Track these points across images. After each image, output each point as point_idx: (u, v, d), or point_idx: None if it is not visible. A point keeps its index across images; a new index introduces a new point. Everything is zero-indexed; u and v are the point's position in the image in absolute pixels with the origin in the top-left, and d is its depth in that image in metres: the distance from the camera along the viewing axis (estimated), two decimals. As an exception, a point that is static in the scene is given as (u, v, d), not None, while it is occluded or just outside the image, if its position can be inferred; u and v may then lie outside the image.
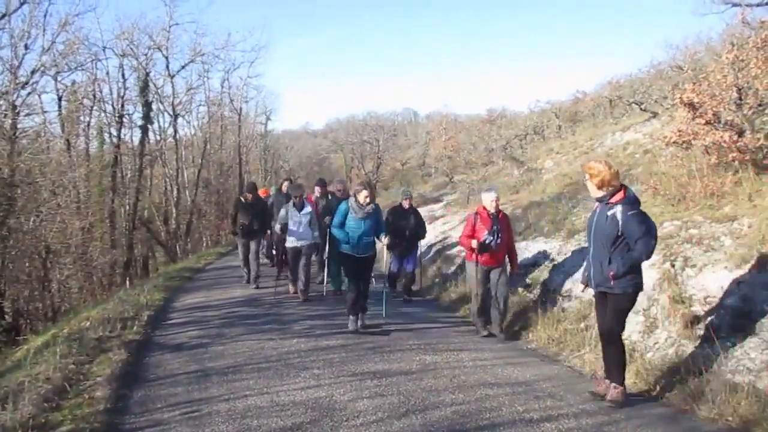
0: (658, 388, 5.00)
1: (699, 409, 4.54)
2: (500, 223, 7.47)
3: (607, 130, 16.87)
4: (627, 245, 4.71)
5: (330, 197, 10.69)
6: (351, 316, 7.33)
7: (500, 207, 7.67)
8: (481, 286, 7.42)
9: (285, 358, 6.04)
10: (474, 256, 7.38)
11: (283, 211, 9.39)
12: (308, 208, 9.36)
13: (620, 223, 4.67)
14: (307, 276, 9.37)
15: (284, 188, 12.02)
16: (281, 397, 4.88)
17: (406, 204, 9.91)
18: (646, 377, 5.26)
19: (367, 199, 7.25)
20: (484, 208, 7.49)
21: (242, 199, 10.99)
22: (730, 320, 5.31)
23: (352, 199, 7.34)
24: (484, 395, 4.95)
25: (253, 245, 10.89)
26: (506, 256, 7.61)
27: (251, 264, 10.93)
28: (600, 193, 4.90)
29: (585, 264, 5.23)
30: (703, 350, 5.21)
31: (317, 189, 11.09)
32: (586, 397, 4.92)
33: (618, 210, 4.70)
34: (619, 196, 4.79)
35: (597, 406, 4.72)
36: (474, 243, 7.32)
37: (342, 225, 7.34)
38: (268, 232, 11.54)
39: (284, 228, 9.28)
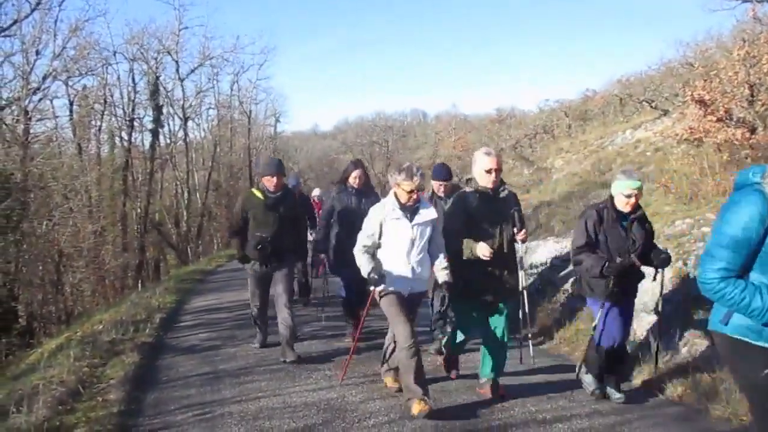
0: (671, 387, 4.96)
1: (713, 408, 4.49)
2: None
3: (618, 128, 16.80)
4: None
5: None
6: None
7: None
8: None
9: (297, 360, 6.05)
10: None
11: (371, 221, 4.71)
12: (430, 212, 4.71)
13: None
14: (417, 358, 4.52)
15: (355, 181, 6.47)
16: (293, 399, 4.89)
17: (625, 205, 4.65)
18: (659, 376, 5.23)
19: None
20: None
21: (257, 193, 6.05)
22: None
23: None
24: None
25: (280, 284, 6.07)
26: None
27: (283, 315, 5.97)
28: None
29: None
30: (716, 349, 5.16)
31: (436, 184, 6.20)
32: (599, 397, 4.89)
33: None
34: None
35: (610, 406, 4.69)
36: None
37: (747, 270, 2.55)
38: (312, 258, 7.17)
39: (377, 267, 4.59)
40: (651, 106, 16.20)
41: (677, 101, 13.99)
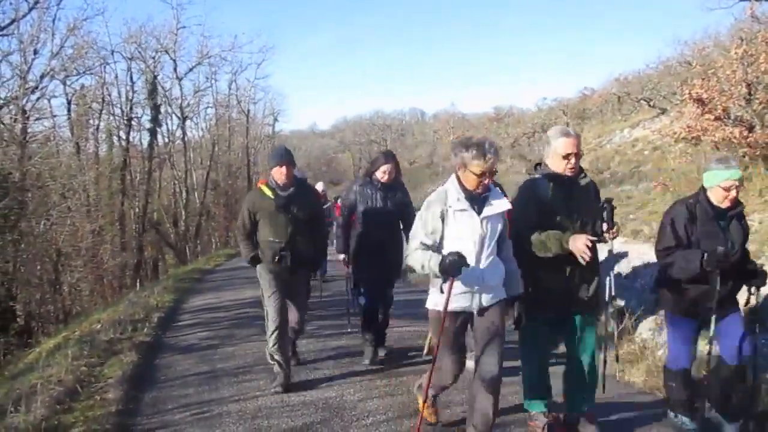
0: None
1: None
2: None
3: (616, 126, 16.84)
4: None
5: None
6: None
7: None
8: None
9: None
10: None
11: (429, 215, 3.61)
12: (502, 202, 3.62)
13: None
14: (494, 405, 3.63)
15: (383, 176, 5.53)
16: (291, 398, 4.89)
17: (723, 200, 3.84)
18: (656, 375, 5.23)
19: None
20: None
21: (265, 191, 5.09)
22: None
23: None
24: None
25: (296, 299, 5.41)
26: None
27: (290, 326, 5.38)
28: None
29: None
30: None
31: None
32: (596, 396, 4.89)
33: None
34: None
35: (606, 404, 4.69)
36: None
37: None
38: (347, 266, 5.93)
39: (455, 263, 3.34)
40: (649, 105, 16.24)
41: (675, 100, 14.01)
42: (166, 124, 31.66)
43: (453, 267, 3.34)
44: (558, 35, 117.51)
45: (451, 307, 3.53)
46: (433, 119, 58.11)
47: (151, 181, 28.57)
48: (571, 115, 23.45)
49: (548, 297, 3.78)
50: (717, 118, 7.83)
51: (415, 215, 5.24)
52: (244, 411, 4.62)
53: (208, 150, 34.26)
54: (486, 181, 3.54)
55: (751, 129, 7.66)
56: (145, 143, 28.98)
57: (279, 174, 5.03)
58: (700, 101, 8.01)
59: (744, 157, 7.68)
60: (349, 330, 6.72)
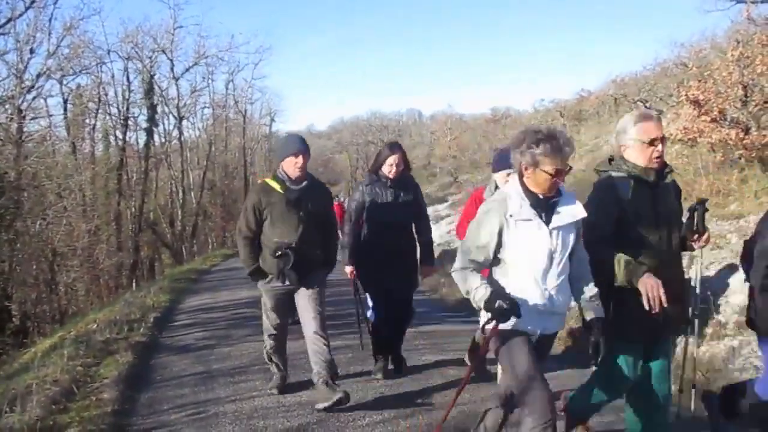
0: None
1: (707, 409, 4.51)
2: None
3: (613, 128, 16.87)
4: None
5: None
6: None
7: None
8: None
9: (291, 359, 6.03)
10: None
11: (483, 226, 2.95)
12: (576, 209, 2.96)
13: None
14: None
15: (390, 170, 4.90)
16: (287, 398, 4.87)
17: None
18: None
19: None
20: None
21: (273, 184, 4.49)
22: (737, 318, 5.29)
23: None
24: (491, 394, 4.93)
25: (309, 305, 4.66)
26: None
27: (316, 346, 4.62)
28: None
29: None
30: (709, 349, 5.19)
31: (502, 176, 4.48)
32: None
33: None
34: None
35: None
36: None
37: None
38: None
39: (501, 290, 2.90)
40: (645, 107, 16.26)
41: (671, 101, 14.06)
42: (163, 123, 31.74)
43: (501, 316, 2.81)
44: (555, 36, 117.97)
45: (516, 326, 2.91)
46: (430, 120, 58.18)
47: (147, 181, 28.57)
48: (568, 117, 23.51)
49: (635, 320, 3.04)
50: (713, 120, 7.87)
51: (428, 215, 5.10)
52: (240, 411, 4.61)
53: (205, 150, 34.27)
54: (560, 182, 2.93)
55: (747, 131, 7.70)
56: (142, 143, 29.03)
57: (293, 165, 4.41)
58: (696, 103, 8.04)
59: (740, 159, 7.71)
60: (362, 348, 5.87)
